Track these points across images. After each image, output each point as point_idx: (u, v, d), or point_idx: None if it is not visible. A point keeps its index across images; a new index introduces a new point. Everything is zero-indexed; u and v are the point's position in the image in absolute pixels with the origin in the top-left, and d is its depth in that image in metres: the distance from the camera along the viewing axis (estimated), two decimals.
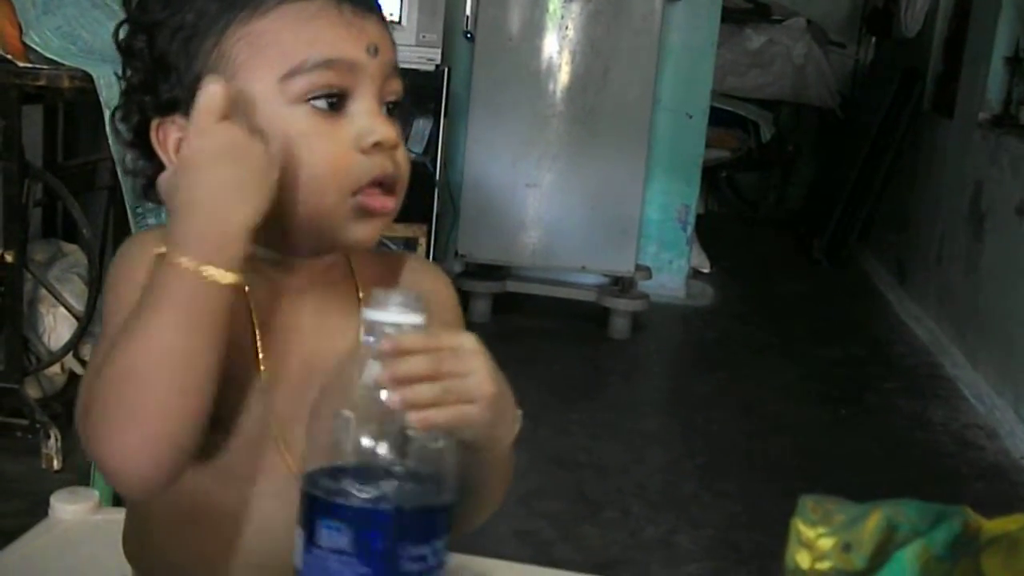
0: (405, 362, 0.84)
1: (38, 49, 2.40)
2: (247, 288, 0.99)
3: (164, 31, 0.99)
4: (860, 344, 5.02)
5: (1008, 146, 4.45)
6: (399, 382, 0.83)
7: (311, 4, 1.00)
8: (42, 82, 2.33)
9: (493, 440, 0.95)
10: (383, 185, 1.00)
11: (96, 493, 1.30)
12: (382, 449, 0.81)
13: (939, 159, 5.42)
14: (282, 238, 1.01)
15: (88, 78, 2.39)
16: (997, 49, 4.79)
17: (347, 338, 0.99)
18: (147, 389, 0.91)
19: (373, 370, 0.83)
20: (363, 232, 1.00)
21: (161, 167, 0.99)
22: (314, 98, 0.98)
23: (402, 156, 1.02)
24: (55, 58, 2.42)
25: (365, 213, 0.99)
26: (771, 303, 5.64)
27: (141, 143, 1.02)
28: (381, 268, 1.12)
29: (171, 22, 0.99)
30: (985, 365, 4.28)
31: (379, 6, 1.07)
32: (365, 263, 1.11)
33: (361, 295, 1.07)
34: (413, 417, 0.83)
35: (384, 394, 0.82)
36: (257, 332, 1.03)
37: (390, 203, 1.01)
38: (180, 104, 0.98)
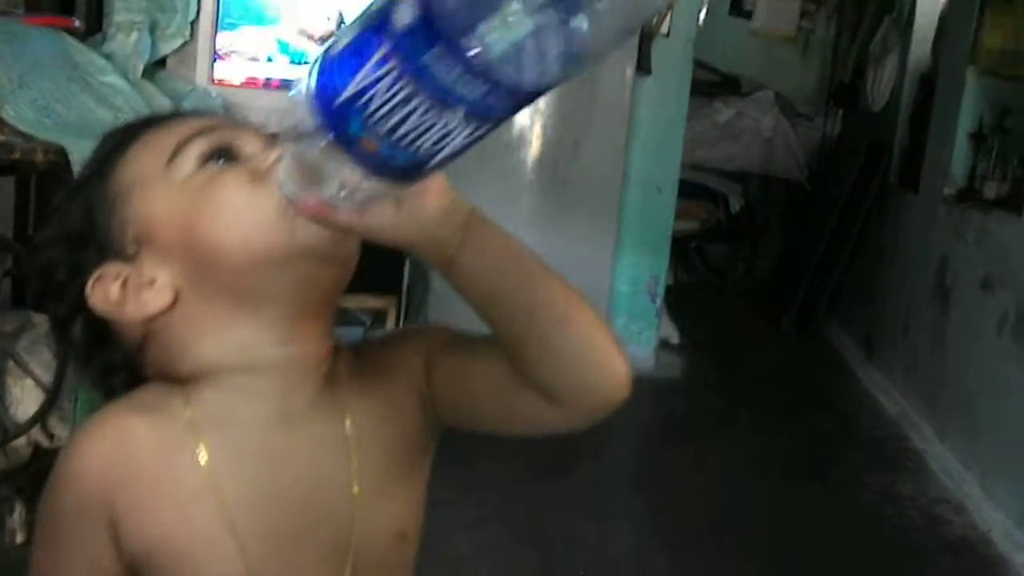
0: None
1: (12, 123, 2.41)
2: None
3: (73, 211, 1.03)
4: (828, 417, 5.04)
5: (972, 220, 4.51)
6: None
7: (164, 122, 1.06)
8: (16, 156, 2.34)
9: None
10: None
11: None
12: None
13: (905, 232, 5.48)
14: (237, 297, 0.99)
15: (62, 152, 2.40)
16: (961, 125, 4.85)
17: (327, 444, 1.03)
18: None
19: None
20: (313, 229, 0.93)
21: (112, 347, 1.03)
22: (204, 159, 0.99)
23: None
24: (30, 132, 2.43)
25: (307, 216, 0.93)
26: (740, 375, 5.66)
27: (90, 335, 1.04)
28: (357, 359, 1.10)
29: (76, 202, 1.04)
30: (952, 438, 4.31)
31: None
32: (345, 357, 1.09)
33: (345, 393, 1.06)
34: None
35: None
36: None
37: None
38: (107, 251, 1.01)
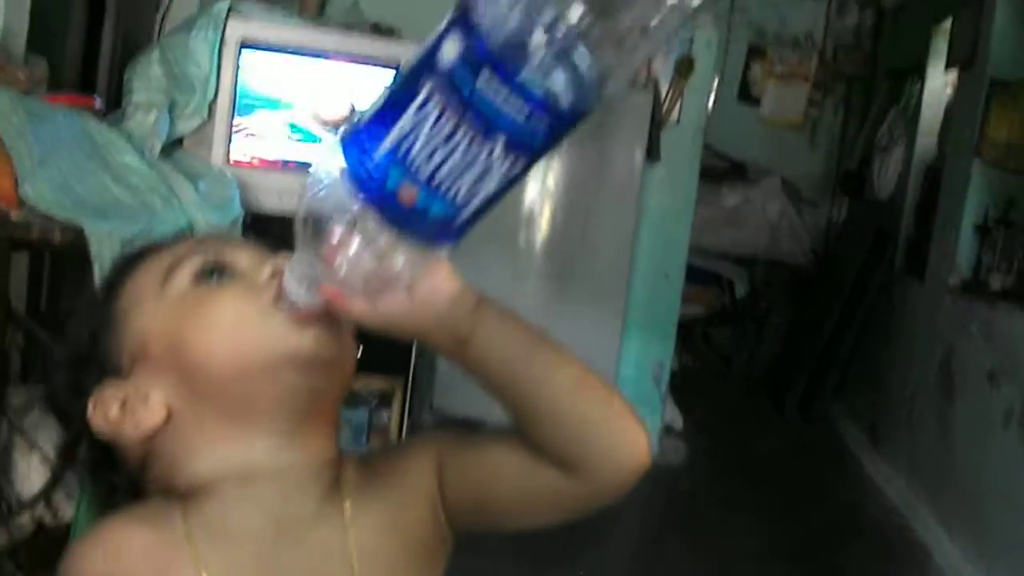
0: None
1: (32, 201, 2.44)
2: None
3: (79, 335, 1.08)
4: (831, 505, 5.02)
5: (978, 312, 4.52)
6: None
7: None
8: (34, 235, 2.36)
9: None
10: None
11: None
12: None
13: (910, 321, 5.49)
14: (231, 409, 1.01)
15: (79, 232, 2.42)
16: (967, 216, 4.89)
17: (330, 559, 1.03)
18: None
19: None
20: (309, 337, 0.98)
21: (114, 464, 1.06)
22: (197, 278, 1.03)
23: None
24: (48, 210, 2.45)
25: (301, 321, 0.97)
26: (743, 461, 5.64)
27: (95, 453, 1.06)
28: (361, 468, 1.10)
29: (81, 320, 1.10)
30: (957, 530, 4.29)
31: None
32: (349, 468, 1.09)
33: (348, 504, 1.06)
34: None
35: None
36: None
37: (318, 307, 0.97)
38: (106, 370, 1.05)
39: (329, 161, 0.85)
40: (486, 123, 0.78)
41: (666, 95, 4.72)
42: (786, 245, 7.22)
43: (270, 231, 3.20)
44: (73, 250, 2.48)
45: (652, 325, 5.04)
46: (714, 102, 5.12)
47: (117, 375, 1.04)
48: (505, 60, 0.76)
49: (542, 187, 4.52)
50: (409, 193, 0.81)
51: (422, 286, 0.91)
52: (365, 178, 0.82)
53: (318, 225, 0.87)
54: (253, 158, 3.42)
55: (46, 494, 2.96)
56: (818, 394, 6.43)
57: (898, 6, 7.04)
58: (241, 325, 0.99)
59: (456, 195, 0.82)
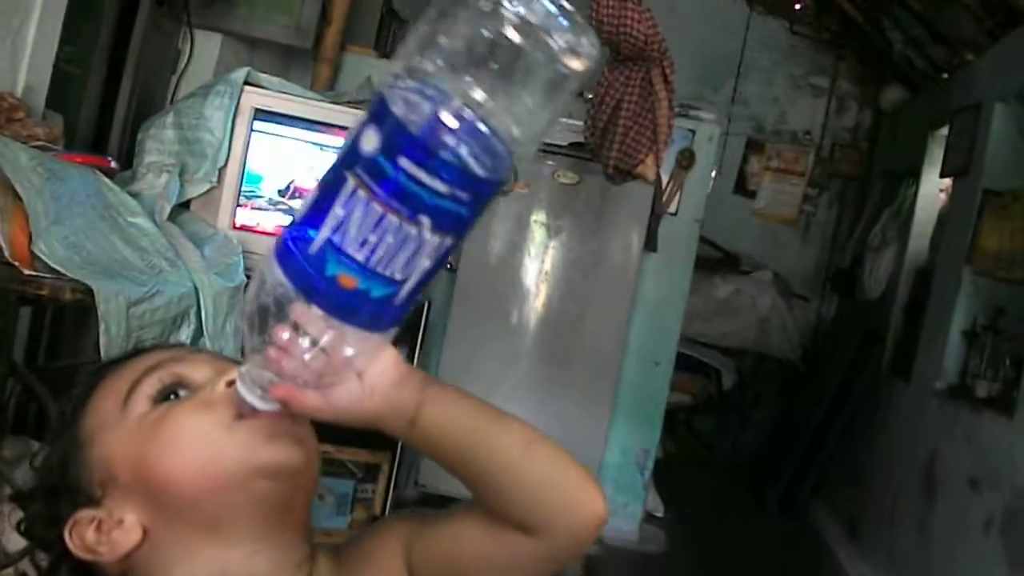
0: None
1: (44, 258, 2.47)
2: None
3: (50, 463, 1.10)
4: None
5: (963, 417, 4.56)
6: None
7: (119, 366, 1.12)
8: (45, 292, 2.39)
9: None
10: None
11: None
12: None
13: (895, 422, 5.53)
14: (204, 525, 1.04)
15: (88, 291, 2.45)
16: (956, 322, 4.95)
17: None
18: None
19: None
20: (275, 449, 1.01)
21: None
22: (156, 398, 1.05)
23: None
24: (58, 268, 2.49)
25: (265, 437, 1.00)
26: (722, 552, 5.64)
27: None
28: (332, 559, 1.13)
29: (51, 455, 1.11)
30: None
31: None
32: (321, 559, 1.12)
33: None
34: None
35: None
36: None
37: (280, 417, 1.00)
38: (79, 498, 1.06)
39: (269, 265, 0.90)
40: (411, 205, 0.84)
41: (666, 186, 4.78)
42: (775, 339, 7.26)
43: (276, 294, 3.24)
44: (79, 308, 2.51)
45: (639, 412, 5.06)
46: (710, 194, 5.18)
47: (89, 502, 1.06)
48: (421, 144, 0.82)
49: (540, 270, 4.57)
50: (348, 279, 0.86)
51: (371, 373, 0.95)
52: (304, 272, 0.87)
53: (264, 328, 0.91)
54: (258, 224, 3.46)
55: (32, 550, 2.97)
56: (800, 489, 6.44)
57: (896, 109, 7.16)
58: (205, 443, 1.01)
59: (393, 274, 0.87)
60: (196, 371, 1.08)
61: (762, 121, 7.72)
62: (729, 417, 7.61)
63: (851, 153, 7.73)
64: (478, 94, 0.83)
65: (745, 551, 5.74)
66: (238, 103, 3.38)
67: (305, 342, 0.90)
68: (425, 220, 0.84)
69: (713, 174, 5.22)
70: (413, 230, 0.85)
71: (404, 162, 0.83)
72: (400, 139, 0.83)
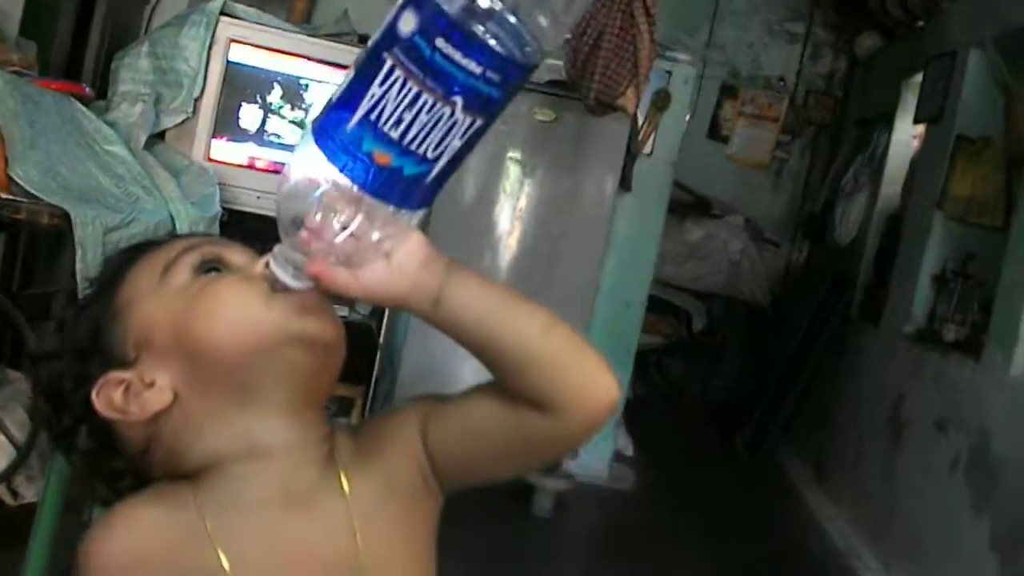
0: None
1: (20, 182, 2.46)
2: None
3: (79, 329, 1.12)
4: (774, 540, 5.08)
5: (931, 361, 4.61)
6: None
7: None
8: (22, 215, 2.38)
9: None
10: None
11: None
12: None
13: (863, 365, 5.57)
14: (238, 390, 1.07)
15: (66, 216, 2.45)
16: (925, 266, 4.98)
17: (334, 529, 1.08)
18: None
19: None
20: (311, 321, 1.06)
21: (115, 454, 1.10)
22: (196, 269, 1.09)
23: None
24: (35, 192, 2.48)
25: (302, 309, 1.05)
26: (690, 492, 5.69)
27: (97, 439, 1.11)
28: (351, 440, 1.15)
29: (86, 312, 1.14)
30: (897, 571, 4.36)
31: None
32: (341, 439, 1.14)
33: (343, 475, 1.11)
34: None
35: None
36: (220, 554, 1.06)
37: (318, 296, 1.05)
38: (110, 361, 1.09)
39: (304, 149, 0.94)
40: (445, 85, 0.88)
41: (641, 127, 4.78)
42: (745, 283, 7.29)
43: (248, 228, 3.24)
44: (56, 232, 2.51)
45: (612, 352, 5.07)
46: (684, 137, 5.17)
47: (120, 365, 1.08)
48: (457, 26, 0.86)
49: (514, 208, 4.57)
50: (383, 156, 0.90)
51: (398, 254, 0.99)
52: (340, 150, 0.91)
53: (299, 210, 0.95)
54: (233, 157, 3.45)
55: (8, 475, 2.98)
56: (768, 430, 6.50)
57: (870, 57, 7.17)
58: (245, 311, 1.05)
59: (426, 152, 0.91)
60: (233, 254, 1.12)
61: (736, 66, 7.71)
62: (699, 360, 7.66)
63: (825, 100, 7.74)
64: None
65: (713, 491, 5.79)
66: (214, 33, 3.36)
67: (336, 225, 0.94)
68: (458, 100, 0.88)
69: (687, 118, 5.21)
70: (447, 109, 0.88)
71: (440, 43, 0.86)
72: (437, 21, 0.86)
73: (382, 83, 0.88)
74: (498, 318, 1.03)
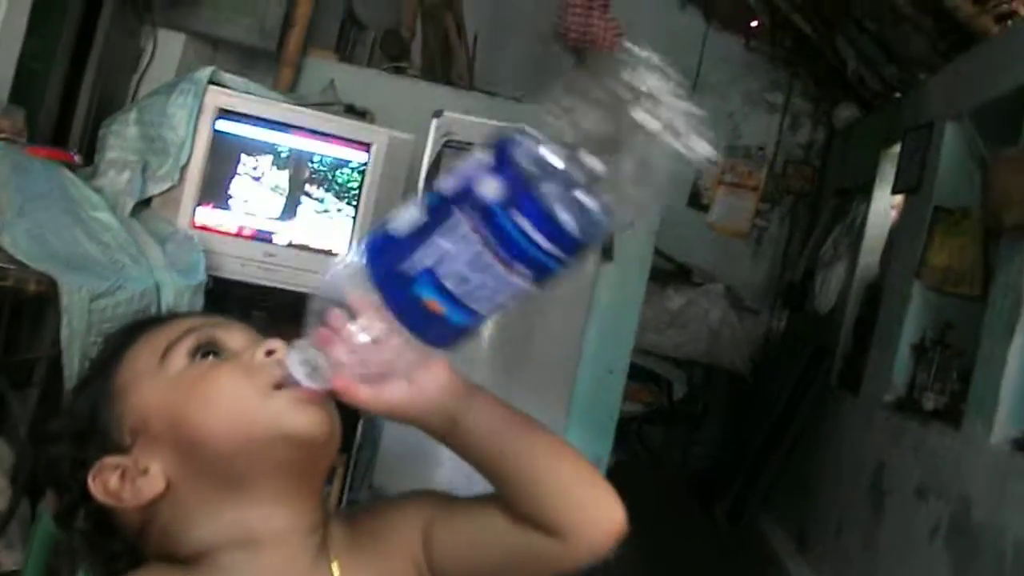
0: None
1: (8, 249, 2.47)
2: None
3: (78, 408, 1.13)
4: None
5: (911, 429, 4.63)
6: None
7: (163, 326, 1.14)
8: (8, 283, 2.39)
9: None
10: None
11: None
12: None
13: (843, 434, 5.59)
14: (230, 482, 1.06)
15: (52, 283, 2.46)
16: (905, 335, 5.02)
17: None
18: None
19: None
20: (305, 417, 1.04)
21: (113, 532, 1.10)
22: (193, 354, 1.09)
23: None
24: (23, 259, 2.49)
25: (298, 401, 1.03)
26: (669, 561, 5.67)
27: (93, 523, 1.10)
28: (347, 526, 1.16)
29: (84, 391, 1.14)
30: None
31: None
32: (336, 526, 1.14)
33: (335, 565, 1.11)
34: None
35: None
36: None
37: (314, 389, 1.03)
38: (107, 444, 1.09)
39: (352, 260, 0.95)
40: (514, 253, 0.90)
41: None
42: (725, 351, 7.32)
43: (231, 297, 3.25)
44: (42, 300, 2.51)
45: (593, 419, 5.06)
46: (663, 206, 5.21)
47: (117, 449, 1.08)
48: (538, 205, 0.89)
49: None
50: (436, 305, 0.93)
51: (421, 377, 1.01)
52: (391, 283, 0.93)
53: (328, 310, 0.97)
54: (218, 224, 3.46)
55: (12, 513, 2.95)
56: (748, 499, 6.50)
57: (849, 127, 7.25)
58: (241, 404, 1.05)
59: (478, 308, 0.93)
60: (232, 338, 1.11)
61: (717, 135, 7.77)
62: (679, 428, 7.67)
63: (804, 169, 7.82)
64: (592, 163, 0.89)
65: (694, 560, 5.78)
66: (202, 102, 3.39)
67: (363, 335, 0.95)
68: (522, 269, 0.91)
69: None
70: (510, 276, 0.91)
71: (518, 216, 0.89)
72: (521, 198, 0.89)
73: (451, 238, 0.90)
74: (511, 444, 1.05)
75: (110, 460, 1.07)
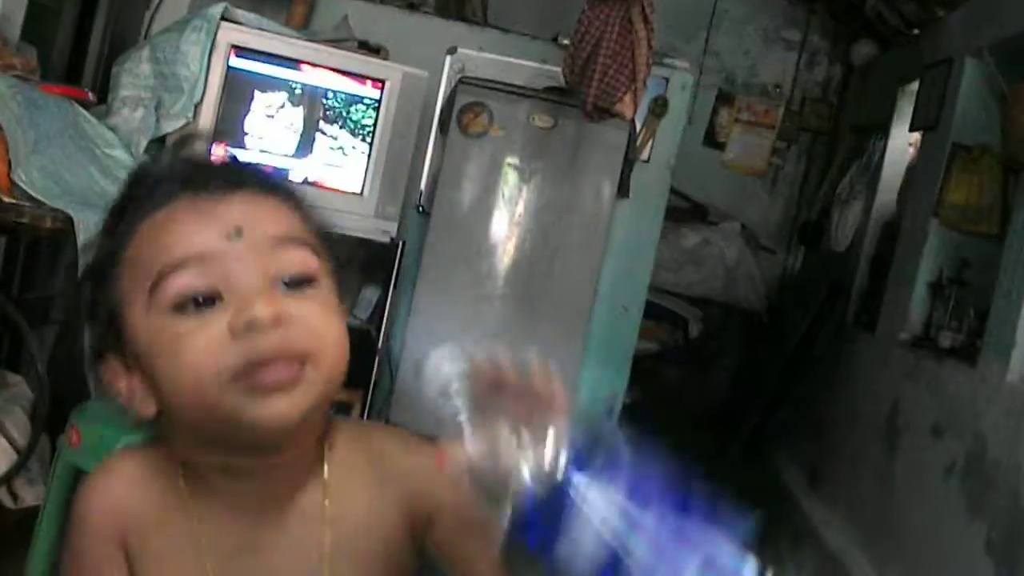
0: None
1: (23, 187, 2.47)
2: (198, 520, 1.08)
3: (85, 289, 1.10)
4: (768, 547, 5.08)
5: (926, 367, 4.63)
6: None
7: (165, 208, 1.03)
8: (25, 219, 2.39)
9: None
10: (273, 362, 0.99)
11: None
12: None
13: (859, 372, 5.59)
14: (202, 442, 1.06)
15: (68, 220, 2.46)
16: (921, 274, 5.00)
17: (305, 551, 1.08)
18: None
19: None
20: (265, 410, 0.99)
21: None
22: (178, 306, 1.00)
23: (305, 327, 1.01)
24: (38, 197, 2.49)
25: (260, 391, 0.99)
26: None
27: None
28: (356, 456, 1.15)
29: (90, 275, 1.09)
30: None
31: (254, 176, 1.09)
32: (340, 458, 1.14)
33: (328, 502, 1.11)
34: None
35: None
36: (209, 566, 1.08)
37: (288, 373, 0.99)
38: (107, 346, 1.07)
39: (525, 462, 0.95)
40: None
41: (639, 133, 4.79)
42: (741, 289, 7.31)
43: None
44: (61, 238, 2.52)
45: (609, 357, 5.08)
46: (680, 143, 5.18)
47: (124, 358, 1.07)
48: None
49: (513, 214, 4.57)
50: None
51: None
52: (527, 523, 0.94)
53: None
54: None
55: (8, 478, 2.98)
56: (763, 437, 6.51)
57: (867, 65, 7.19)
58: (202, 389, 1.00)
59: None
60: (241, 273, 1.02)
61: (733, 73, 7.74)
62: (694, 366, 7.67)
63: (821, 107, 7.76)
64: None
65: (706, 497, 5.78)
66: (215, 38, 3.37)
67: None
68: None
69: (684, 124, 5.22)
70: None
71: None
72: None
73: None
74: None
75: (120, 367, 1.07)
